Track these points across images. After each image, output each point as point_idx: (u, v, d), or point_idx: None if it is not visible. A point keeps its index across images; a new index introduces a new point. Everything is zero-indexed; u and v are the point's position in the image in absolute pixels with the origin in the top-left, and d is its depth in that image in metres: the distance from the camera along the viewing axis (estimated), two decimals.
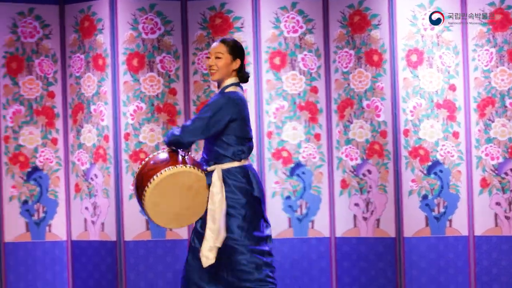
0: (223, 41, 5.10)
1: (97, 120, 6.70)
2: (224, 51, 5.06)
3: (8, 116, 6.80)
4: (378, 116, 6.46)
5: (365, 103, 6.50)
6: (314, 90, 6.57)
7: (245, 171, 5.09)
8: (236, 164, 5.07)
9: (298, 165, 6.60)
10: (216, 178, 5.04)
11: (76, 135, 6.80)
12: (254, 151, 6.52)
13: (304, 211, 6.60)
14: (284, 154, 6.59)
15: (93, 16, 6.70)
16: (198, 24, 6.65)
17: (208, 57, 5.11)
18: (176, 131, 5.09)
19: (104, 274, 6.78)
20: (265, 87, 6.58)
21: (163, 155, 5.12)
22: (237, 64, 5.10)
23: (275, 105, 6.59)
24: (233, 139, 5.06)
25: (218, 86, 5.20)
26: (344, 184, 6.57)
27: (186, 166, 5.02)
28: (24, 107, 6.81)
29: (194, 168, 5.03)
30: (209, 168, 5.11)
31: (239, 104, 5.05)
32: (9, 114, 6.81)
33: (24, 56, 6.80)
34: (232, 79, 5.12)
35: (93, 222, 6.83)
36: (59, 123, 6.85)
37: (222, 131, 5.05)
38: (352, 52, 6.52)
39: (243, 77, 5.14)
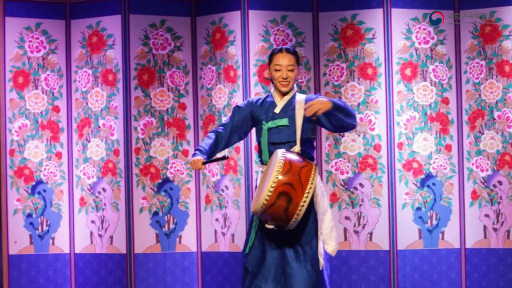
0: (291, 52, 5.13)
1: None
2: (294, 63, 5.12)
3: (139, 128, 6.81)
4: (509, 127, 6.66)
5: (496, 114, 6.68)
6: (445, 101, 6.77)
7: None
8: None
9: (429, 176, 6.77)
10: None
11: None
12: (384, 162, 6.71)
13: (434, 222, 6.75)
14: (415, 165, 6.75)
15: (225, 28, 6.79)
16: (330, 35, 6.77)
17: (277, 70, 5.09)
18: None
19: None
20: (396, 98, 6.74)
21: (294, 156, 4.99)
22: (299, 71, 5.26)
23: (406, 116, 6.77)
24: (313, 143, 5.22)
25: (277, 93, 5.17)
26: (475, 195, 6.79)
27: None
28: (155, 119, 6.85)
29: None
30: None
31: None
32: (141, 125, 6.81)
33: (155, 68, 6.84)
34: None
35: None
36: (190, 135, 6.93)
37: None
38: (483, 63, 6.72)
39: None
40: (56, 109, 6.95)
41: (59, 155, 6.95)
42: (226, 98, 6.81)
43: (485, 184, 6.74)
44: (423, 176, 6.77)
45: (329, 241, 5.09)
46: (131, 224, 6.83)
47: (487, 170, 6.74)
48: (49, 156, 6.93)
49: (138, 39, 6.85)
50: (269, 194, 4.78)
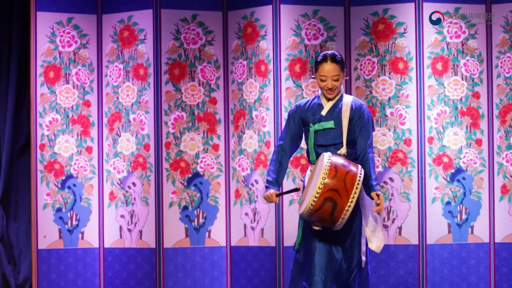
0: (336, 61, 5.28)
1: (258, 126, 6.80)
2: (339, 71, 5.27)
3: (170, 122, 6.83)
4: None
5: None
6: (476, 95, 6.75)
7: None
8: None
9: (459, 170, 6.75)
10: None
11: (238, 141, 6.89)
12: (414, 156, 6.72)
13: (464, 216, 6.74)
14: (445, 159, 6.74)
15: (256, 22, 6.80)
16: (361, 29, 6.79)
17: (323, 80, 5.27)
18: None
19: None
20: (427, 92, 6.73)
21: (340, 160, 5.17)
22: (344, 75, 5.37)
23: (436, 110, 6.76)
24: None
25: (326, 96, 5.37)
26: (505, 189, 6.72)
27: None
28: (185, 113, 6.86)
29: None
30: None
31: None
32: (171, 120, 6.83)
33: (186, 62, 6.86)
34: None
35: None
36: (220, 129, 6.94)
37: None
38: None
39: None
40: (87, 104, 6.97)
41: (89, 149, 6.96)
42: (257, 93, 6.82)
43: None
44: (453, 171, 6.76)
45: (372, 238, 5.26)
46: (160, 218, 6.83)
47: None
48: (79, 151, 6.94)
49: (170, 34, 6.88)
50: (315, 199, 4.97)
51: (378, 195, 5.14)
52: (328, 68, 5.26)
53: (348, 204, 4.96)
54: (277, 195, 5.24)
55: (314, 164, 5.27)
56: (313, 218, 5.06)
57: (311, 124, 5.28)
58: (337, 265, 5.19)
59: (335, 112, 5.28)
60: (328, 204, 4.96)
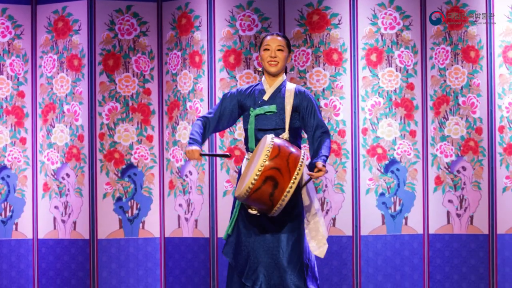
0: (281, 36, 5.17)
1: (192, 117, 6.79)
2: (285, 45, 5.12)
3: (104, 113, 6.79)
4: (474, 113, 6.67)
5: (461, 99, 6.71)
6: (410, 86, 6.78)
7: None
8: None
9: (393, 161, 6.76)
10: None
11: (172, 132, 6.88)
12: (349, 147, 6.73)
13: (398, 207, 6.76)
14: (379, 150, 6.75)
15: (191, 13, 6.79)
16: (296, 20, 6.77)
17: (267, 49, 5.10)
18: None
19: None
20: (361, 83, 6.75)
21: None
22: (289, 59, 5.20)
23: (371, 101, 6.77)
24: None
25: (268, 77, 5.13)
26: (438, 180, 6.75)
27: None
28: (120, 104, 6.83)
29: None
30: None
31: None
32: (105, 111, 6.80)
33: (121, 53, 6.84)
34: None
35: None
36: (154, 120, 6.92)
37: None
38: (449, 48, 6.69)
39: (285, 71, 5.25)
40: (21, 95, 6.94)
41: (23, 140, 6.93)
42: (191, 84, 6.81)
43: (449, 169, 6.75)
44: (387, 162, 6.78)
45: (315, 232, 5.11)
46: (94, 209, 6.81)
47: (451, 155, 6.75)
48: (13, 142, 6.91)
49: (104, 24, 6.87)
50: (256, 178, 4.73)
51: (322, 166, 4.92)
52: (273, 38, 5.12)
53: (290, 186, 4.73)
54: (201, 154, 4.95)
55: (252, 152, 5.09)
56: (251, 200, 4.81)
57: (251, 109, 5.10)
58: (277, 257, 4.96)
59: (277, 97, 5.12)
60: (269, 183, 4.72)
